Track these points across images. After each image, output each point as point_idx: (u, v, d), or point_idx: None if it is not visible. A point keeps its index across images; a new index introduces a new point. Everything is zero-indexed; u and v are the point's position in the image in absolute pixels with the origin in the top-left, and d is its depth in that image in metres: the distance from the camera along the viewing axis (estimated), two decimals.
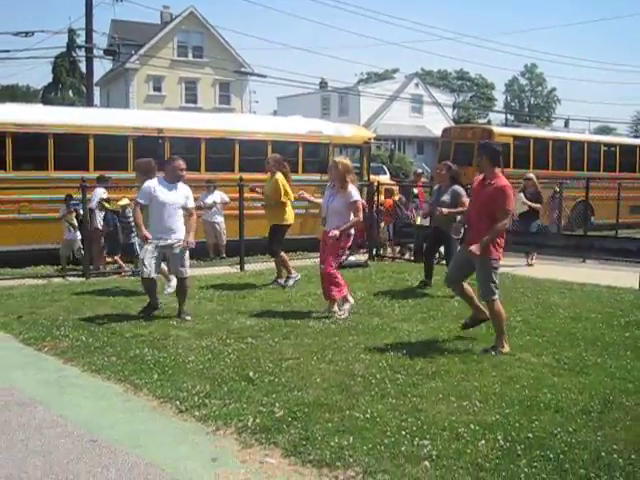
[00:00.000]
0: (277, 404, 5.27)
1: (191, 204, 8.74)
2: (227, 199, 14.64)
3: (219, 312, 8.80)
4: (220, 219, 14.81)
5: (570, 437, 4.60)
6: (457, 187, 10.13)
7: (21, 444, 4.67)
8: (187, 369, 6.26)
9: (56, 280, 11.80)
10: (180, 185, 8.67)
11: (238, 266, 13.16)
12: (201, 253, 14.21)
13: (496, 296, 6.91)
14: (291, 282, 10.89)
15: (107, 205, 12.59)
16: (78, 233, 12.78)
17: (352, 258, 13.66)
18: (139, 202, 8.65)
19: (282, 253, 11.07)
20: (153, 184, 8.61)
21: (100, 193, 12.65)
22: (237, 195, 13.20)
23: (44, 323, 8.16)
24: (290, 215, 11.12)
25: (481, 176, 7.12)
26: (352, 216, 8.73)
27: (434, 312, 8.82)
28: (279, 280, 11.08)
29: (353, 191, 8.77)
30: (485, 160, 7.01)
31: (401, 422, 4.89)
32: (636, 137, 60.33)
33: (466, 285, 7.38)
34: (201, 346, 7.05)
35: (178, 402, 5.39)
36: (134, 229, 11.57)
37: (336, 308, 8.67)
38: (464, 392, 5.55)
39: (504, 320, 6.98)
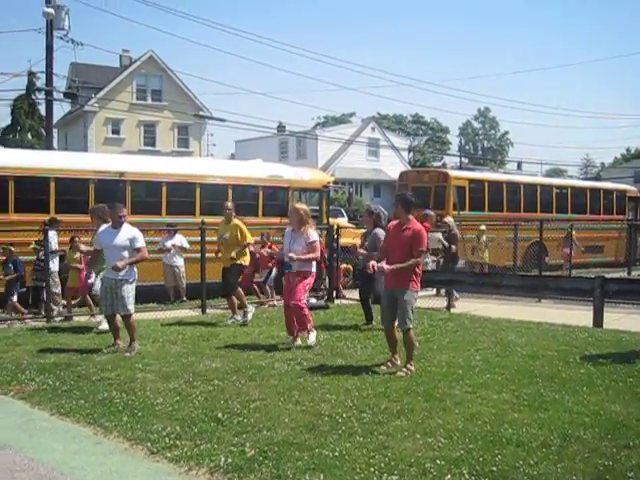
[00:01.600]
0: (247, 444, 5.37)
1: (138, 244, 9.18)
2: (187, 245, 14.69)
3: (184, 355, 8.86)
4: (180, 262, 14.81)
5: (532, 470, 4.79)
6: (377, 231, 10.83)
7: None
8: (156, 411, 6.32)
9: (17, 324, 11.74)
10: (123, 228, 9.22)
11: (199, 309, 13.22)
12: (162, 297, 14.26)
13: (411, 325, 7.97)
14: (250, 316, 11.57)
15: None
16: None
17: (313, 300, 13.83)
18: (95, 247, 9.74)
19: (239, 289, 11.65)
20: (100, 231, 9.55)
21: (52, 236, 12.60)
22: (199, 238, 13.30)
23: (8, 367, 8.14)
24: (247, 256, 11.81)
25: (396, 221, 8.27)
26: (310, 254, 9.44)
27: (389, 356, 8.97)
28: (236, 317, 11.59)
29: (312, 232, 9.50)
30: (400, 208, 8.14)
31: (369, 459, 5.04)
32: (586, 179, 62.04)
33: (395, 330, 8.15)
34: (169, 388, 7.12)
35: (149, 444, 5.46)
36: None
37: (312, 337, 9.37)
38: (429, 429, 5.72)
39: (415, 348, 8.13)
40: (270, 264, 14.47)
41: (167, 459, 5.17)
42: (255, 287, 14.59)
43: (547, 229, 18.72)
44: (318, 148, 53.07)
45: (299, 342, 9.47)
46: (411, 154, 70.35)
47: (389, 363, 8.11)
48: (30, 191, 14.01)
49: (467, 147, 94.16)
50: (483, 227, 18.74)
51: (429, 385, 7.21)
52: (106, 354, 8.90)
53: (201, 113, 44.17)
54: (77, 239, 12.46)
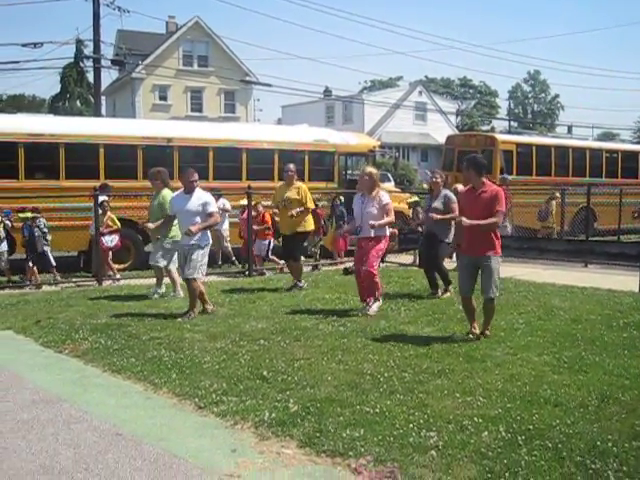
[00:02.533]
0: (291, 400, 5.56)
1: (210, 209, 9.15)
2: (229, 207, 14.77)
3: (231, 316, 9.10)
4: (224, 226, 14.80)
5: (568, 429, 4.88)
6: (447, 192, 10.50)
7: (51, 437, 4.97)
8: (204, 369, 6.55)
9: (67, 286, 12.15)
10: (196, 193, 9.19)
11: (247, 272, 13.48)
12: (211, 260, 14.51)
13: (497, 293, 7.72)
14: (300, 285, 11.37)
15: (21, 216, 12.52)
16: (4, 244, 12.43)
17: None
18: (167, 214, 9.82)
19: (301, 262, 11.57)
20: (173, 196, 9.61)
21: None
22: (245, 203, 13.51)
23: (62, 327, 8.48)
24: (311, 221, 11.51)
25: (467, 186, 8.05)
26: (386, 217, 9.26)
27: (439, 315, 9.09)
28: (299, 283, 11.41)
29: (384, 195, 9.36)
30: (472, 172, 7.79)
31: (409, 416, 5.18)
32: (639, 143, 60.56)
33: (473, 300, 7.90)
34: (216, 348, 7.35)
35: (197, 399, 5.69)
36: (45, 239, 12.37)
37: (375, 307, 9.23)
38: (468, 389, 5.84)
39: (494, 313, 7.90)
40: (268, 234, 14.13)
41: (214, 414, 5.39)
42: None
43: (595, 194, 18.43)
44: (365, 113, 52.83)
45: (374, 307, 9.31)
46: (459, 118, 69.34)
47: (472, 333, 7.80)
48: (80, 158, 14.32)
49: (516, 111, 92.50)
50: (557, 194, 18.60)
51: (470, 347, 7.30)
52: (155, 315, 9.17)
53: (247, 78, 44.36)
54: (106, 203, 12.69)
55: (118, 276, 12.87)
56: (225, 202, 14.81)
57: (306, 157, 16.63)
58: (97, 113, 26.33)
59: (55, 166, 13.93)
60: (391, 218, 9.33)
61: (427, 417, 5.14)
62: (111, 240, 12.73)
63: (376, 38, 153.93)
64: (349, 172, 18.42)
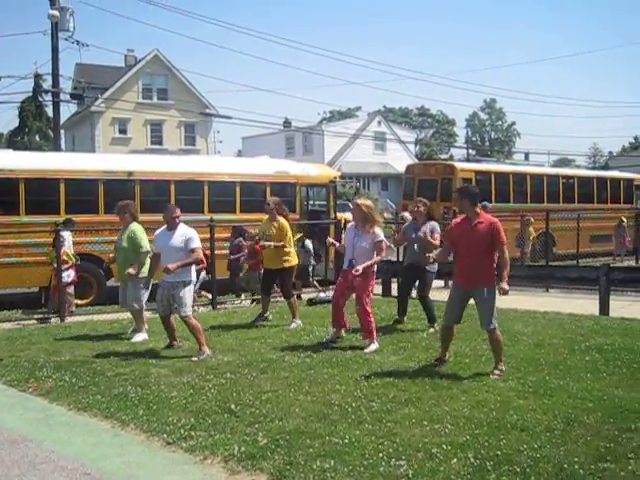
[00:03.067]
0: (260, 433, 5.55)
1: (192, 245, 8.92)
2: None
3: (196, 350, 9.02)
4: None
5: (535, 453, 4.96)
6: (434, 223, 10.42)
7: (17, 479, 4.88)
8: (171, 404, 6.50)
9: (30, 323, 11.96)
10: (179, 229, 9.04)
11: (210, 306, 13.41)
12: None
13: (497, 324, 7.57)
14: (294, 325, 10.88)
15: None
16: None
17: (322, 295, 14.00)
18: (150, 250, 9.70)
19: (294, 297, 11.41)
20: (157, 233, 9.33)
21: (67, 236, 12.84)
22: (208, 236, 13.46)
23: (25, 365, 8.33)
24: (294, 256, 11.34)
25: (461, 217, 7.81)
26: (376, 255, 9.10)
27: (404, 344, 9.15)
28: (296, 320, 11.05)
29: (378, 231, 9.15)
30: (466, 202, 7.58)
31: (378, 445, 5.20)
32: (594, 169, 61.97)
33: (454, 330, 7.94)
34: (182, 382, 7.30)
35: (165, 435, 5.64)
36: None
37: (372, 347, 8.88)
38: (436, 416, 5.89)
39: (503, 347, 7.69)
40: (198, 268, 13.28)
41: (183, 449, 5.35)
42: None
43: (553, 219, 18.84)
44: (324, 143, 53.29)
45: (343, 333, 9.46)
46: (418, 147, 70.42)
47: (437, 363, 7.80)
48: (40, 193, 14.21)
49: (474, 139, 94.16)
50: (532, 219, 19.63)
51: (436, 374, 7.36)
52: (120, 351, 9.08)
53: (207, 111, 44.50)
54: (62, 238, 12.42)
55: (73, 309, 12.61)
56: None
57: (267, 189, 16.68)
58: (56, 147, 26.08)
59: (15, 201, 13.77)
60: (380, 258, 9.15)
61: (396, 446, 5.17)
62: (67, 275, 12.55)
63: (334, 69, 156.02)
64: (311, 203, 18.54)
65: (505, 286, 7.45)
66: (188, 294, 8.96)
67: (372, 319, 9.13)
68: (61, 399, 6.87)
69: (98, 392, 7.02)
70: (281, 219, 11.08)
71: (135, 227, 10.17)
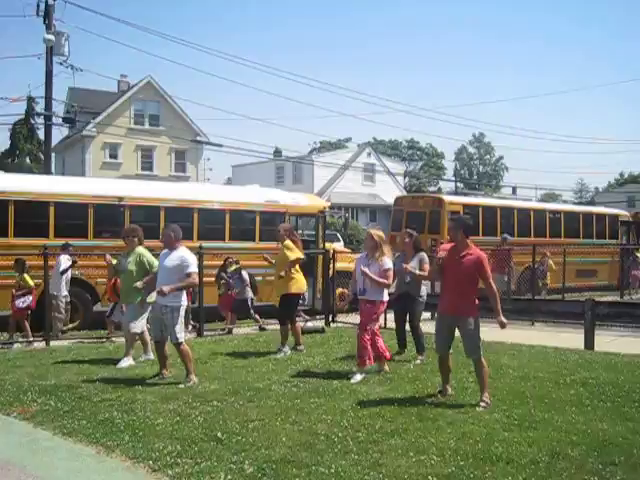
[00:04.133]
0: (246, 462, 5.56)
1: (189, 269, 8.80)
2: None
3: (182, 377, 9.00)
4: None
5: None
6: (422, 254, 10.62)
7: None
8: (157, 431, 6.49)
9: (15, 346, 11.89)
10: (177, 251, 8.97)
11: (196, 333, 13.38)
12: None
13: (482, 353, 7.73)
14: (279, 355, 10.80)
15: None
16: None
17: (309, 324, 14.03)
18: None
19: (297, 323, 11.44)
20: (161, 254, 9.25)
21: (64, 260, 12.85)
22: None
23: (10, 389, 8.29)
24: (302, 283, 11.28)
25: (449, 245, 7.91)
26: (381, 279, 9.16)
27: (391, 375, 9.18)
28: (299, 347, 11.17)
29: (387, 260, 9.27)
30: (461, 233, 7.72)
31: (364, 476, 5.22)
32: (580, 204, 62.52)
33: (450, 360, 8.02)
34: (168, 409, 7.29)
35: (151, 462, 5.63)
36: None
37: (386, 367, 9.23)
38: (422, 447, 5.91)
39: (487, 376, 7.77)
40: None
41: (168, 476, 5.34)
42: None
43: (540, 253, 19.00)
44: (314, 173, 53.49)
45: (386, 368, 9.37)
46: (407, 179, 70.87)
47: (439, 395, 7.86)
48: (30, 215, 14.20)
49: (462, 172, 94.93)
50: (549, 253, 20.30)
51: (423, 406, 7.40)
52: (106, 376, 9.05)
53: (198, 138, 44.62)
54: (25, 263, 12.45)
55: (31, 339, 12.30)
56: None
57: (257, 217, 16.75)
58: (47, 170, 26.12)
59: (4, 224, 13.74)
60: (386, 282, 9.18)
61: (382, 477, 5.19)
62: (23, 302, 12.48)
63: (325, 100, 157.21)
64: (300, 233, 18.59)
65: (502, 319, 7.57)
66: (178, 319, 8.84)
67: (368, 347, 9.14)
68: (46, 424, 6.84)
69: (84, 417, 7.00)
70: (287, 241, 11.12)
71: (142, 250, 10.17)
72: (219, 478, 5.21)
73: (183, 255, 8.91)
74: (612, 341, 12.15)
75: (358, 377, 8.92)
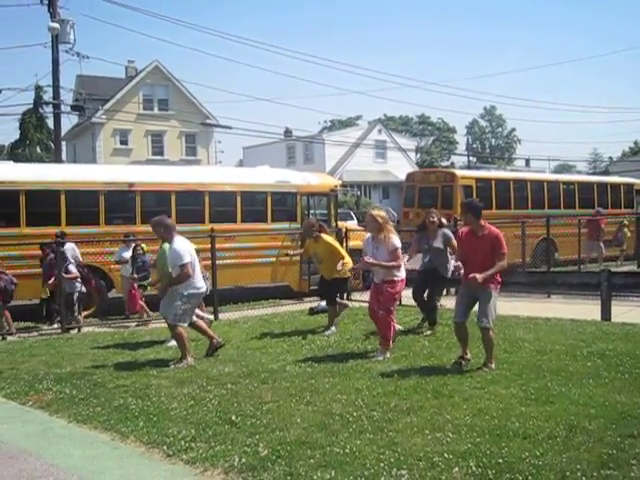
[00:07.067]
0: (261, 444, 5.52)
1: (180, 261, 8.91)
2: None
3: (197, 361, 9.01)
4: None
5: (537, 460, 4.92)
6: (446, 231, 10.87)
7: None
8: (171, 416, 6.47)
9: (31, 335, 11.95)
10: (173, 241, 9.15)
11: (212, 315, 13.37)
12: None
13: (491, 324, 7.94)
14: (328, 333, 10.97)
15: None
16: None
17: (323, 304, 13.96)
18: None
19: (337, 306, 11.51)
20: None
21: (72, 248, 12.86)
22: (209, 246, 13.43)
23: (25, 378, 8.32)
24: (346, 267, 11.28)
25: (466, 228, 8.27)
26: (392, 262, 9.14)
27: (405, 352, 9.12)
28: (332, 328, 11.23)
29: (394, 239, 9.21)
30: (470, 216, 8.06)
31: (379, 455, 5.17)
32: (594, 174, 61.97)
33: (466, 326, 8.22)
34: (183, 394, 7.27)
35: (165, 447, 5.61)
36: None
37: (382, 355, 8.94)
38: (437, 425, 5.85)
39: (494, 347, 8.14)
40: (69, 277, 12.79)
41: (183, 461, 5.32)
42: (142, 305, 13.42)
43: (554, 225, 18.84)
44: (325, 152, 53.31)
45: (387, 354, 9.11)
46: (418, 155, 70.47)
47: (461, 360, 8.09)
48: (41, 204, 14.21)
49: (474, 146, 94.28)
50: (626, 221, 22.30)
51: (438, 382, 7.33)
52: (121, 363, 9.06)
53: (208, 121, 44.55)
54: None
55: (13, 330, 12.23)
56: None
57: (268, 198, 16.69)
58: (57, 159, 26.10)
59: (16, 213, 13.76)
60: (395, 264, 9.10)
61: (397, 455, 5.14)
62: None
63: (334, 78, 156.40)
64: (312, 212, 18.51)
65: (478, 276, 7.68)
66: (179, 303, 8.94)
67: (392, 327, 9.14)
68: (61, 412, 6.85)
69: (98, 404, 7.00)
70: (324, 237, 11.33)
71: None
72: (233, 461, 5.18)
73: (174, 246, 8.99)
74: (629, 311, 12.02)
75: (381, 356, 8.90)
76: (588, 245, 20.67)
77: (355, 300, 14.91)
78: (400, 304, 11.98)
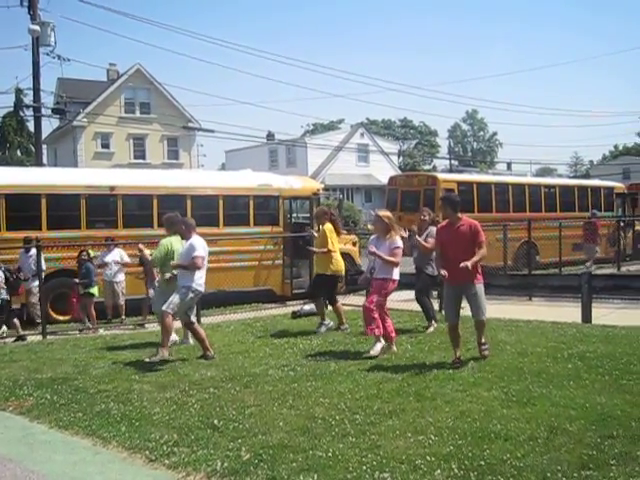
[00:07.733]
0: (243, 448, 5.52)
1: (193, 253, 9.35)
2: (127, 259, 13.90)
3: (179, 365, 8.99)
4: (121, 278, 13.95)
5: (519, 462, 4.96)
6: (432, 228, 10.85)
7: None
8: (153, 420, 6.46)
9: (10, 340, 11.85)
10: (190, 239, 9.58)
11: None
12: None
13: (486, 315, 8.59)
14: (323, 329, 11.34)
15: None
16: None
17: (306, 307, 13.95)
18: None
19: (339, 303, 11.68)
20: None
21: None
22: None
23: (6, 383, 8.26)
24: (339, 265, 11.47)
25: (444, 222, 8.69)
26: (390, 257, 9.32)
27: (388, 355, 9.13)
28: (342, 327, 11.42)
29: (397, 239, 9.44)
30: (448, 209, 8.48)
31: (362, 458, 5.19)
32: (575, 177, 62.43)
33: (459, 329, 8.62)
34: (165, 398, 7.25)
35: (147, 452, 5.60)
36: None
37: (377, 347, 9.16)
38: (419, 428, 5.88)
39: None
40: None
41: (165, 466, 5.31)
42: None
43: (536, 228, 18.95)
44: (308, 156, 53.27)
45: (394, 348, 9.33)
46: (401, 158, 70.63)
47: (457, 362, 8.26)
48: (21, 208, 14.11)
49: (456, 149, 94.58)
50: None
51: (420, 385, 7.36)
52: (103, 368, 9.01)
53: (190, 124, 44.48)
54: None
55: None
56: (122, 253, 13.95)
57: (251, 202, 16.69)
58: (38, 162, 25.95)
59: None
60: (394, 259, 9.28)
61: (380, 458, 5.16)
62: None
63: (317, 82, 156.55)
64: (294, 216, 18.51)
65: (467, 263, 7.93)
66: (178, 297, 9.26)
67: (375, 315, 9.18)
68: (42, 417, 6.82)
69: (80, 409, 6.97)
70: (325, 226, 11.50)
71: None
72: (216, 465, 5.18)
73: (190, 242, 9.50)
74: (610, 314, 12.11)
75: (378, 348, 9.14)
76: (585, 248, 20.91)
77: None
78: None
